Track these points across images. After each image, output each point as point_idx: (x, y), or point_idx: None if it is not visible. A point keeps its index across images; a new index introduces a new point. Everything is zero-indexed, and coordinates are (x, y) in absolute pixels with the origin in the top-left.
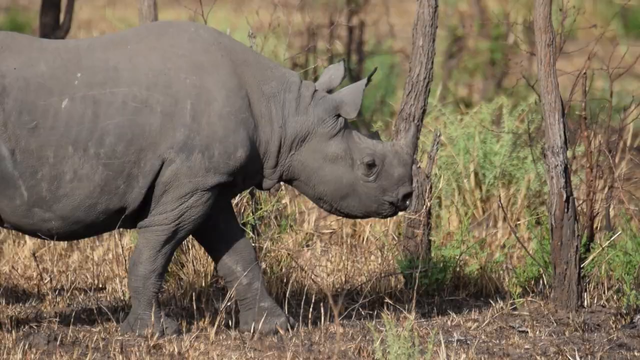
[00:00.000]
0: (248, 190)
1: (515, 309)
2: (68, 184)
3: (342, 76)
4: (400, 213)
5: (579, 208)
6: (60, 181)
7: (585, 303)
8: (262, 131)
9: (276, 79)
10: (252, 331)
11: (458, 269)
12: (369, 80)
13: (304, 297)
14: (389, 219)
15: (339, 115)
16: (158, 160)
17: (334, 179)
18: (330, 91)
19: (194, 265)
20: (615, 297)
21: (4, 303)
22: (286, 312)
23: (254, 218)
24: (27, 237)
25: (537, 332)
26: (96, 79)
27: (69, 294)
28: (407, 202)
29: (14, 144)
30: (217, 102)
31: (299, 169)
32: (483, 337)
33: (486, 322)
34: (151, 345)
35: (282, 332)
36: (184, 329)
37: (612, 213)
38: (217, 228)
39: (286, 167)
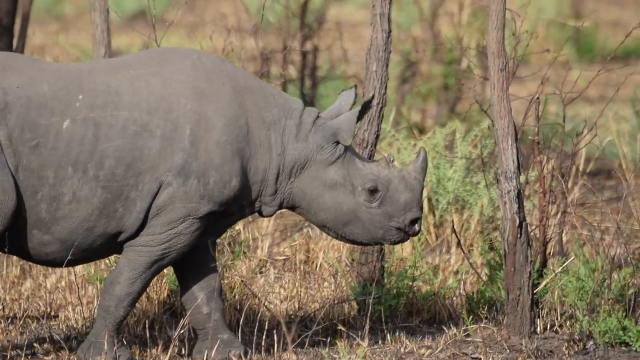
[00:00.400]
0: None
1: (468, 335)
2: (67, 205)
3: (353, 102)
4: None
5: (532, 233)
6: (59, 202)
7: (538, 329)
8: (260, 159)
9: (278, 106)
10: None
11: (411, 296)
12: (365, 107)
13: (257, 325)
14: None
15: (337, 142)
16: (156, 182)
17: (334, 205)
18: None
19: (147, 293)
20: (568, 323)
21: None
22: (239, 339)
23: None
24: None
25: (490, 359)
26: (97, 101)
27: (21, 322)
28: (416, 227)
29: (17, 160)
30: (216, 130)
31: (300, 196)
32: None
33: (439, 348)
34: None
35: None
36: (136, 357)
37: (565, 238)
38: (194, 254)
39: (286, 194)
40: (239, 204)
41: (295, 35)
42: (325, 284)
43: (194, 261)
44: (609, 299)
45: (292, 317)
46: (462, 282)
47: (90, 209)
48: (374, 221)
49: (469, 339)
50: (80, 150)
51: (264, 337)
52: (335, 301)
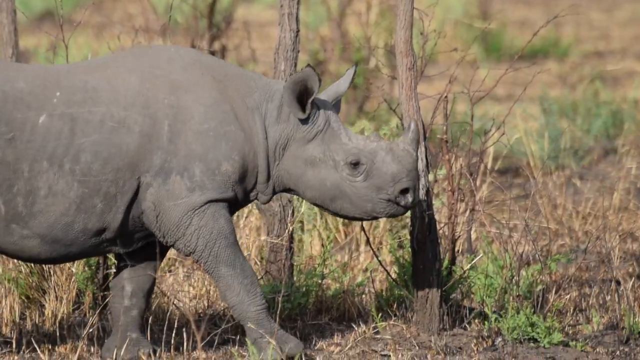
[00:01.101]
0: None
1: (377, 332)
2: (43, 199)
3: (351, 80)
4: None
5: (441, 231)
6: (35, 196)
7: (447, 326)
8: (251, 144)
9: (259, 90)
10: (114, 358)
11: (320, 293)
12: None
13: (166, 323)
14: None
15: (314, 118)
16: (136, 180)
17: (318, 182)
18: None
19: (55, 292)
20: (476, 320)
21: None
22: (149, 338)
23: None
24: None
25: (400, 356)
26: (75, 98)
27: None
28: (409, 198)
29: None
30: (194, 120)
31: (287, 177)
32: (332, 354)
33: (349, 346)
34: None
35: (144, 358)
36: (45, 356)
37: (473, 236)
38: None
39: (275, 177)
40: (243, 189)
41: (204, 35)
42: None
43: (141, 253)
44: (517, 296)
45: (202, 315)
46: (371, 280)
47: (67, 204)
48: (361, 194)
49: (379, 336)
50: (56, 145)
51: (173, 335)
52: None
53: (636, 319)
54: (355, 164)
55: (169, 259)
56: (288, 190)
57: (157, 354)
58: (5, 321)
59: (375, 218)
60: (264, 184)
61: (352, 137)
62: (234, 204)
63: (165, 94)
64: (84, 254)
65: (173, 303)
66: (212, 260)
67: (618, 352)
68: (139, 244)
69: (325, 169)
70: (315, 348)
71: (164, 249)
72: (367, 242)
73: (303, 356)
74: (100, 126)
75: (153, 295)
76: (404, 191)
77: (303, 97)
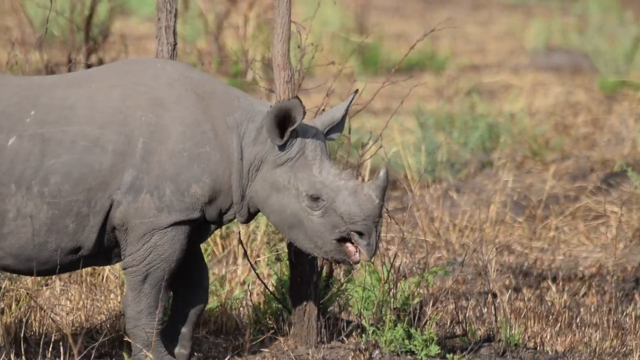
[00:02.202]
0: None
1: (255, 345)
2: (12, 221)
3: (347, 106)
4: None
5: None
6: (4, 219)
7: (325, 339)
8: (226, 164)
9: (241, 109)
10: None
11: None
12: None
13: (43, 337)
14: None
15: (287, 145)
16: (108, 200)
17: (280, 208)
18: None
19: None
20: (354, 333)
21: None
22: (22, 352)
23: None
24: None
25: None
26: (49, 117)
27: None
28: (362, 242)
29: None
30: (171, 140)
31: (256, 198)
32: None
33: (226, 359)
34: None
35: None
36: None
37: None
38: (184, 266)
39: (249, 198)
40: (217, 209)
41: (80, 49)
42: (112, 295)
43: (184, 267)
44: (394, 309)
45: (79, 329)
46: (249, 293)
47: (37, 225)
48: (315, 229)
49: (256, 349)
50: (24, 167)
51: (50, 349)
52: (122, 314)
53: (512, 331)
54: (316, 199)
55: None
56: (258, 212)
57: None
58: None
59: (332, 260)
60: (239, 204)
61: (325, 170)
62: (204, 224)
63: (144, 111)
64: (64, 269)
65: (50, 317)
66: (143, 276)
67: None
68: (121, 258)
69: (287, 196)
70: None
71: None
72: (245, 255)
73: None
74: (72, 146)
75: (29, 310)
76: (359, 234)
77: (285, 124)
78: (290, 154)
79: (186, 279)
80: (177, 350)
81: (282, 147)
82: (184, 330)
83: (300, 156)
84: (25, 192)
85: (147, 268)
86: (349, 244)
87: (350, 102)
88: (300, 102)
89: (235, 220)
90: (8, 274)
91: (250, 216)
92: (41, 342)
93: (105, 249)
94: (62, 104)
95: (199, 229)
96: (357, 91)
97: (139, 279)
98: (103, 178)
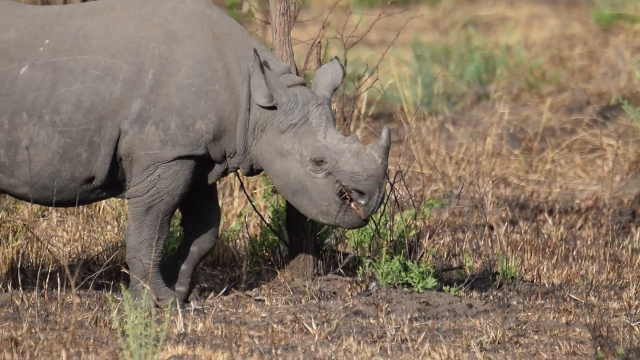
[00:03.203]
0: None
1: (251, 277)
2: (25, 150)
3: (343, 74)
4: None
5: None
6: (17, 147)
7: (321, 271)
8: (234, 106)
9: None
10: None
11: None
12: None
13: (40, 268)
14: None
15: (290, 112)
16: (116, 129)
17: (284, 173)
18: (335, 90)
19: None
20: (350, 265)
21: None
22: (20, 283)
23: None
24: None
25: (274, 301)
26: (63, 46)
27: None
28: (362, 201)
29: None
30: (180, 73)
31: (261, 160)
32: (220, 305)
33: (223, 290)
34: None
35: (221, 306)
36: None
37: None
38: (195, 206)
39: (252, 155)
40: (222, 150)
41: None
42: (109, 227)
43: (197, 213)
44: (391, 241)
45: (76, 260)
46: (245, 225)
47: (50, 154)
48: (319, 191)
49: (252, 281)
50: (36, 96)
51: (47, 280)
52: (120, 245)
53: (509, 264)
54: (319, 162)
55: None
56: (262, 170)
57: (30, 299)
58: None
59: (336, 225)
60: (241, 156)
61: (329, 136)
62: (209, 163)
63: (157, 43)
64: (81, 200)
65: (47, 248)
66: (146, 208)
67: (491, 297)
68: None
69: (292, 161)
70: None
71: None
72: (241, 187)
73: (177, 302)
74: (83, 75)
75: (26, 241)
76: (360, 192)
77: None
78: (293, 120)
79: (196, 219)
80: (175, 286)
81: (282, 111)
82: (183, 267)
83: (304, 123)
84: (37, 121)
85: (150, 200)
86: (352, 204)
87: (344, 68)
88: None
89: (241, 171)
90: (5, 205)
91: (254, 171)
92: (38, 273)
93: (118, 180)
94: (76, 32)
95: (204, 167)
96: (336, 57)
97: (142, 210)
98: (113, 107)
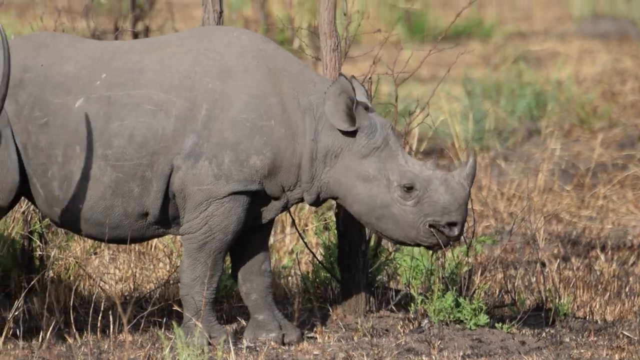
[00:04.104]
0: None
1: (303, 314)
2: (78, 183)
3: (365, 92)
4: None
5: None
6: (70, 181)
7: (374, 308)
8: (296, 142)
9: (317, 94)
10: (246, 342)
11: None
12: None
13: (92, 306)
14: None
15: (372, 135)
16: (168, 165)
17: (368, 198)
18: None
19: None
20: (402, 302)
21: None
22: (72, 321)
23: (41, 226)
24: None
25: (326, 338)
26: (118, 80)
27: None
28: (455, 231)
29: (26, 138)
30: (234, 108)
31: (336, 186)
32: (272, 343)
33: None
34: None
35: (274, 344)
36: None
37: None
38: (246, 240)
39: (323, 183)
40: (279, 185)
41: (127, 16)
42: (161, 264)
43: (242, 240)
44: (443, 278)
45: (128, 297)
46: (297, 262)
47: (102, 188)
48: (408, 219)
49: (305, 318)
50: (89, 129)
51: (99, 318)
52: (172, 282)
53: (561, 301)
54: (409, 188)
55: (94, 241)
56: (335, 198)
57: (83, 337)
58: None
59: (418, 245)
60: (308, 184)
61: (409, 160)
62: (264, 199)
63: (211, 78)
64: (135, 237)
65: (99, 286)
66: (200, 245)
67: (544, 334)
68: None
69: (377, 186)
70: (242, 330)
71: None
72: (293, 224)
73: (230, 339)
74: (137, 110)
75: (79, 278)
76: (451, 224)
77: (349, 108)
78: (376, 144)
79: (245, 263)
80: (265, 334)
81: (363, 136)
82: (262, 317)
83: (385, 146)
84: (90, 154)
85: (203, 237)
86: (439, 230)
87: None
88: (347, 78)
89: (306, 201)
90: (57, 242)
91: (319, 200)
92: (90, 311)
93: (173, 216)
94: (133, 67)
95: (259, 203)
96: (353, 76)
97: (195, 247)
98: (165, 142)
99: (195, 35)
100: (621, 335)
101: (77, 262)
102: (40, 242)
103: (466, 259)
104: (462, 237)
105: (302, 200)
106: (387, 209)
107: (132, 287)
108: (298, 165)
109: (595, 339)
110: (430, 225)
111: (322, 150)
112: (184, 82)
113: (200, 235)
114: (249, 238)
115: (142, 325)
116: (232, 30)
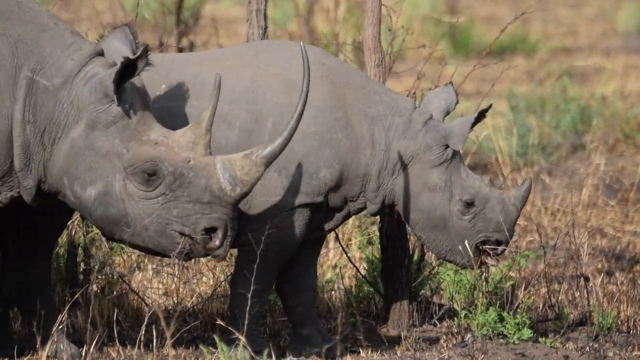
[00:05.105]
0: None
1: (347, 329)
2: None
3: (456, 100)
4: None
5: None
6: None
7: (417, 322)
8: (362, 153)
9: (384, 104)
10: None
11: None
12: (480, 115)
13: (135, 320)
14: None
15: (447, 146)
16: None
17: (429, 208)
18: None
19: None
20: (446, 316)
21: None
22: (115, 335)
23: (85, 240)
24: None
25: (369, 352)
26: (179, 91)
27: None
28: (498, 250)
29: None
30: (302, 122)
31: (400, 193)
32: (316, 357)
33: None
34: None
35: (317, 358)
36: (14, 353)
37: None
38: (298, 253)
39: (388, 190)
40: (342, 197)
41: (172, 32)
42: (204, 278)
43: (294, 254)
44: (486, 292)
45: (171, 312)
46: (340, 276)
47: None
48: (461, 234)
49: (348, 332)
50: None
51: (142, 332)
52: (215, 296)
53: (605, 315)
54: (470, 204)
55: (138, 255)
56: (394, 205)
57: (127, 351)
58: None
59: (454, 260)
60: (374, 193)
61: (470, 174)
62: (327, 210)
63: (274, 92)
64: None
65: (142, 300)
66: (259, 258)
67: (587, 348)
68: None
69: (441, 197)
70: (285, 344)
71: (324, 235)
72: (337, 238)
73: (272, 353)
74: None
75: (122, 293)
76: (498, 242)
77: None
78: (448, 155)
79: (293, 276)
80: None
81: (441, 147)
82: (306, 331)
83: (454, 158)
84: None
85: (265, 249)
86: (486, 248)
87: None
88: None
89: (366, 211)
90: (100, 257)
91: (382, 208)
92: (133, 325)
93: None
94: (193, 79)
95: (320, 216)
96: (451, 83)
97: (254, 259)
98: (229, 153)
99: (253, 49)
100: None
101: (120, 277)
102: (85, 256)
103: (510, 273)
104: (505, 252)
105: (362, 209)
106: (443, 220)
107: (176, 301)
108: (362, 175)
109: (638, 353)
110: (481, 241)
111: (393, 159)
112: (246, 95)
113: (258, 247)
114: (301, 252)
115: (185, 339)
116: (291, 44)
